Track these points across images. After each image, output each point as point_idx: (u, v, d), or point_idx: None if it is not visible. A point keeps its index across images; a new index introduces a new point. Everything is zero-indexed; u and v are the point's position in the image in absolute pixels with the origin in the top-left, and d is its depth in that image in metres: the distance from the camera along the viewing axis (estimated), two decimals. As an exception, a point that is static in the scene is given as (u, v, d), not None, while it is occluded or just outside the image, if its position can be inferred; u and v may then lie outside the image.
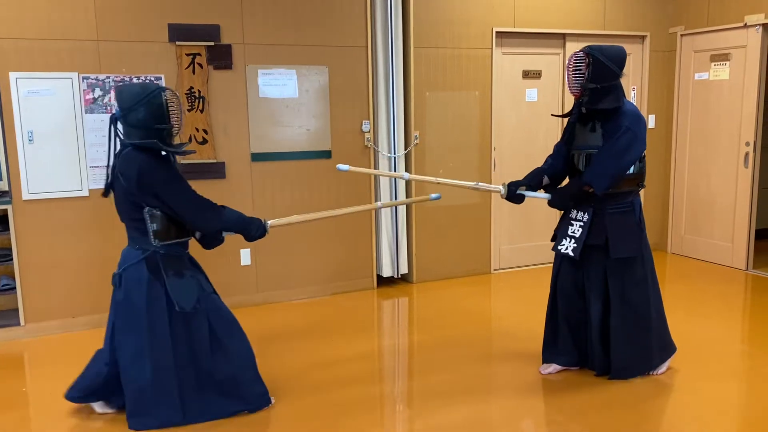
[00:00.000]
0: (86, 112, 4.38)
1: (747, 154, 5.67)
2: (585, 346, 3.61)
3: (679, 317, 4.38)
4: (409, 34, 5.26)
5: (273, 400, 3.32)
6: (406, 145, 5.40)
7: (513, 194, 3.55)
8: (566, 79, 3.37)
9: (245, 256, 4.91)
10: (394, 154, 5.33)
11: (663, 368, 3.63)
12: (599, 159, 3.29)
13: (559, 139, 3.71)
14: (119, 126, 3.01)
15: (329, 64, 5.03)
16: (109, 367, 3.11)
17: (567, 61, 3.38)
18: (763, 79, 5.56)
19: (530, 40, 5.78)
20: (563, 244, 3.47)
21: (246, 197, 4.85)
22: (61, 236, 4.41)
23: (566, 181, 3.60)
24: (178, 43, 4.55)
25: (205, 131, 4.69)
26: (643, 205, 3.69)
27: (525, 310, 4.80)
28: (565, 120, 5.64)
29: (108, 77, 4.40)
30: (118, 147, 3.02)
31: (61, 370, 3.70)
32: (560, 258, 3.58)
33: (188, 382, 3.09)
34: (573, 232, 3.44)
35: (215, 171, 4.75)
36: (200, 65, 4.62)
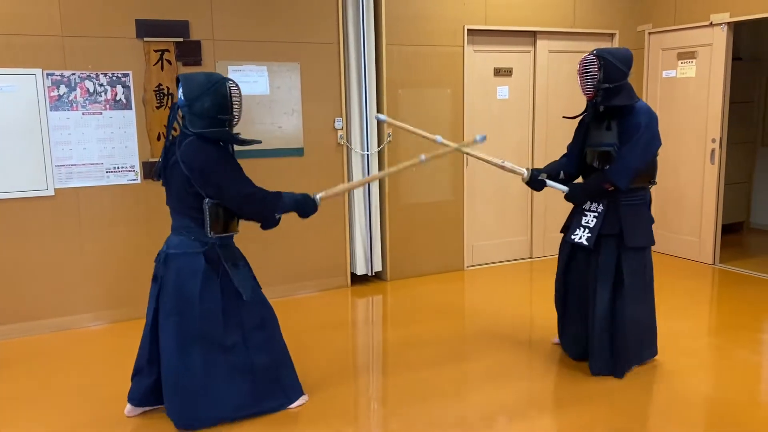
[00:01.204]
0: (51, 110, 4.27)
1: (713, 150, 5.78)
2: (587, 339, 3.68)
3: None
4: (381, 31, 5.25)
5: (307, 397, 3.30)
6: (379, 143, 5.38)
7: (535, 179, 3.65)
8: (579, 82, 3.52)
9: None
10: (367, 151, 5.31)
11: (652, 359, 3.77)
12: (621, 157, 3.41)
13: (572, 139, 3.81)
14: (178, 115, 3.01)
15: (301, 61, 4.99)
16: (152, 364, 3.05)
17: (578, 66, 3.53)
18: (729, 76, 5.66)
19: (501, 37, 5.81)
20: (576, 234, 3.59)
21: (217, 196, 4.79)
22: (25, 237, 4.30)
23: (579, 179, 3.74)
24: (145, 39, 4.46)
25: (175, 129, 4.59)
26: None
27: (498, 306, 4.83)
28: (541, 115, 5.68)
29: (74, 74, 4.31)
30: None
31: (26, 372, 3.61)
32: (568, 248, 3.71)
33: (239, 373, 3.04)
34: (587, 223, 3.57)
35: (185, 169, 4.67)
36: (169, 61, 4.55)
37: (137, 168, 4.55)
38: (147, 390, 3.11)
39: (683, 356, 3.85)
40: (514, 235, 6.19)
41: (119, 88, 4.44)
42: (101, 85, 4.39)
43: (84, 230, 4.45)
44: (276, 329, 3.21)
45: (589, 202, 3.60)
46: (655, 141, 3.46)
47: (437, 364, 3.79)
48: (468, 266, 5.93)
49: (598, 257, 3.55)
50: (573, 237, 3.61)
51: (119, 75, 4.44)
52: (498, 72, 5.87)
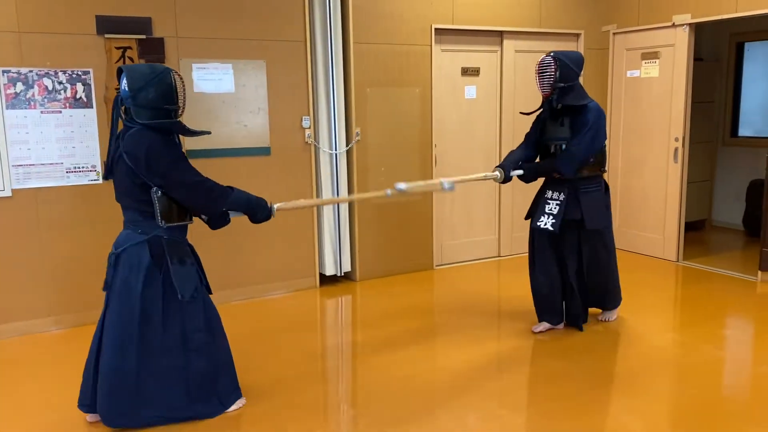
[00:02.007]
0: (7, 108, 4.14)
1: (676, 149, 5.88)
2: (563, 307, 4.20)
3: (618, 313, 4.49)
4: (349, 30, 5.21)
5: (245, 400, 3.25)
6: (348, 142, 5.35)
7: (508, 177, 3.99)
8: (537, 81, 3.94)
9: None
10: (336, 150, 5.27)
11: (614, 316, 4.38)
12: (569, 149, 3.88)
13: (529, 130, 4.21)
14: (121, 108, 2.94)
15: (267, 59, 4.93)
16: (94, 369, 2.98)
17: (536, 67, 3.95)
18: (691, 76, 5.77)
19: (469, 37, 5.82)
20: (542, 221, 3.98)
21: (182, 196, 4.70)
22: (-18, 239, 4.16)
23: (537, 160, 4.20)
24: (107, 36, 4.35)
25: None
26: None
27: (468, 304, 4.83)
28: (508, 114, 5.74)
29: (31, 71, 4.18)
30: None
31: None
32: (535, 233, 4.11)
33: (174, 375, 2.98)
34: (550, 210, 3.97)
35: (149, 169, 4.58)
36: (131, 59, 4.45)
37: (99, 168, 4.43)
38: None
39: (649, 352, 3.90)
40: (483, 234, 6.21)
41: (79, 86, 4.33)
42: (60, 82, 4.27)
43: (43, 232, 4.33)
44: (219, 332, 3.14)
45: (550, 191, 4.01)
46: (600, 136, 3.91)
47: (408, 364, 3.77)
48: (437, 265, 5.93)
49: (563, 240, 3.99)
50: (539, 224, 3.98)
51: (79, 72, 4.32)
52: (466, 71, 5.88)
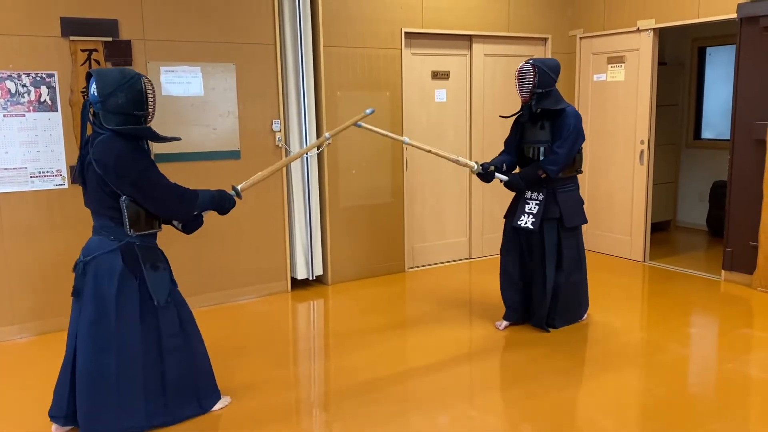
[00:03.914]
0: (-32, 111, 4.04)
1: (642, 151, 5.99)
2: (530, 305, 4.31)
3: (587, 313, 4.56)
4: (319, 33, 5.20)
5: (228, 400, 3.27)
6: (319, 145, 5.33)
7: (487, 170, 4.12)
8: (517, 86, 4.09)
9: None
10: (307, 153, 5.25)
11: (585, 317, 4.46)
12: (554, 151, 4.03)
13: (508, 136, 4.37)
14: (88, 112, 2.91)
15: (236, 62, 4.89)
16: (71, 378, 2.91)
17: (516, 73, 4.09)
18: (656, 80, 5.89)
19: (438, 41, 5.86)
20: (522, 219, 4.13)
21: (150, 200, 4.63)
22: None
23: (517, 169, 4.31)
24: (72, 38, 4.28)
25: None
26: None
27: (439, 306, 4.85)
28: (478, 118, 5.78)
29: (-7, 73, 4.09)
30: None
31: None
32: (511, 232, 4.26)
33: (153, 380, 2.97)
34: (530, 209, 4.12)
35: (116, 173, 4.50)
36: (97, 62, 4.37)
37: (64, 172, 4.35)
38: (72, 408, 2.95)
39: (617, 350, 3.97)
40: (454, 237, 6.25)
41: (44, 89, 4.24)
42: (24, 85, 4.18)
43: (6, 238, 4.22)
44: (195, 335, 3.14)
45: (530, 192, 4.16)
46: (580, 138, 4.09)
47: (380, 367, 3.77)
48: (409, 268, 5.95)
49: (542, 238, 4.11)
50: (519, 222, 4.14)
51: (44, 75, 4.24)
52: (436, 75, 5.92)
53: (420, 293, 5.35)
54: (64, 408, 2.96)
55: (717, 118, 7.33)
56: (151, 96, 2.91)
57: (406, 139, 4.07)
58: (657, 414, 3.20)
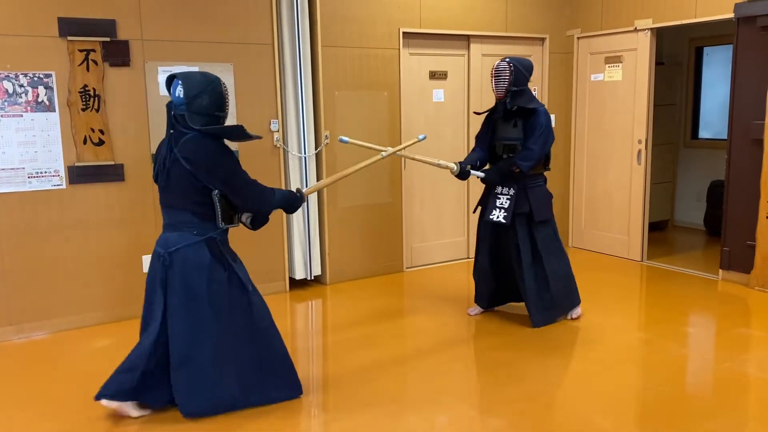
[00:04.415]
0: (-34, 112, 4.04)
1: (639, 151, 6.00)
2: (499, 292, 4.56)
3: (581, 308, 4.56)
4: (317, 33, 5.20)
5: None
6: (317, 145, 5.34)
7: (463, 171, 4.25)
8: (492, 83, 4.21)
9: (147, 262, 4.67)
10: (305, 153, 5.25)
11: (578, 312, 4.50)
12: (527, 148, 4.17)
13: (479, 132, 4.54)
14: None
15: (234, 62, 4.89)
16: (148, 360, 3.04)
17: (492, 71, 4.21)
18: (653, 80, 5.90)
19: (436, 41, 5.86)
20: (494, 214, 4.26)
21: (146, 201, 4.63)
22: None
23: (487, 165, 4.46)
24: (69, 38, 4.27)
25: (102, 131, 4.44)
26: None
27: (437, 305, 4.86)
28: (475, 117, 5.79)
29: (-10, 74, 4.08)
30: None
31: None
32: (485, 226, 4.40)
33: (247, 362, 3.17)
34: (501, 204, 4.26)
35: (113, 173, 4.50)
36: (95, 62, 4.37)
37: (62, 173, 4.35)
38: (138, 385, 3.08)
39: (615, 350, 3.98)
40: (452, 236, 6.25)
41: (41, 89, 4.24)
42: (21, 85, 4.18)
43: (4, 239, 4.22)
44: (273, 323, 3.29)
45: (500, 187, 4.30)
46: (551, 137, 4.24)
47: (379, 367, 3.77)
48: (407, 268, 5.95)
49: (515, 232, 4.25)
50: (491, 217, 4.28)
51: (41, 75, 4.23)
52: (433, 75, 5.92)
53: (419, 293, 5.35)
54: (134, 381, 3.04)
55: (714, 117, 7.35)
56: (227, 98, 3.11)
57: (383, 153, 4.04)
58: (655, 413, 3.20)
